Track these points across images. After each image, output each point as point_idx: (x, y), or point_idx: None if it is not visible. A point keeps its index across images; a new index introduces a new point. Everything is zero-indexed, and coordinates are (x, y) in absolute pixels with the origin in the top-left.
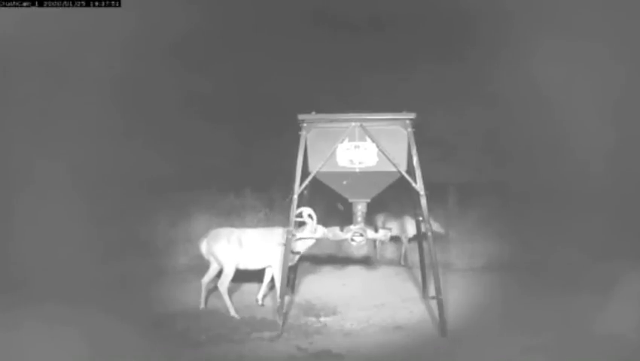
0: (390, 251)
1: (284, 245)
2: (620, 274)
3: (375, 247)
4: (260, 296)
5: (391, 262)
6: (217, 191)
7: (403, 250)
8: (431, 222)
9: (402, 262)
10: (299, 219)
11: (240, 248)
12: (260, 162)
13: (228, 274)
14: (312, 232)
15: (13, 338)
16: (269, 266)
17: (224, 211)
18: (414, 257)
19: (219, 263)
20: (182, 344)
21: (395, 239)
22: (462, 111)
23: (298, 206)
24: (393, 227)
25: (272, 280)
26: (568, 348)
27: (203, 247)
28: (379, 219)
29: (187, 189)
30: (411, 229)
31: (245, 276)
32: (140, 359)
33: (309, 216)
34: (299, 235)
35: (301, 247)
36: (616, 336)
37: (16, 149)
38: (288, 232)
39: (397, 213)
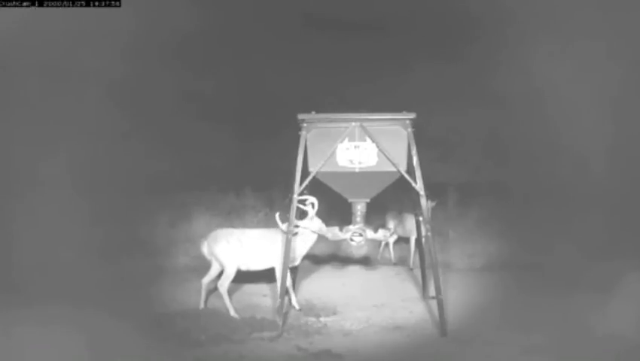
0: (392, 252)
1: (286, 242)
2: (620, 274)
3: (379, 246)
4: (293, 301)
5: (396, 263)
6: (217, 191)
7: (412, 252)
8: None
9: (411, 265)
10: (302, 207)
11: (241, 249)
12: (260, 162)
13: (229, 274)
14: (310, 220)
15: (13, 339)
16: (273, 267)
17: (224, 211)
18: (412, 257)
19: (220, 264)
20: (182, 343)
21: (397, 239)
22: (462, 111)
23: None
24: (398, 227)
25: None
26: (568, 348)
27: (204, 248)
28: (390, 218)
29: (187, 189)
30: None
31: (245, 276)
32: (140, 359)
33: (312, 204)
34: (298, 222)
35: (302, 247)
36: (616, 336)
37: (16, 149)
38: (289, 232)
39: (404, 213)
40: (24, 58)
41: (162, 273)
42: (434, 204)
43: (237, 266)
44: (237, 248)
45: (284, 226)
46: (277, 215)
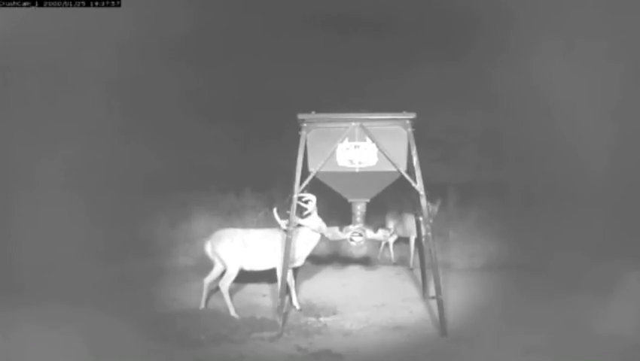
0: (392, 252)
1: (286, 242)
2: (620, 274)
3: (379, 246)
4: (294, 301)
5: (396, 263)
6: (218, 191)
7: (412, 252)
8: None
9: (411, 265)
10: (302, 204)
11: (244, 248)
12: (260, 162)
13: (231, 274)
14: (310, 217)
15: (13, 339)
16: (275, 267)
17: (224, 211)
18: (412, 257)
19: (223, 264)
20: (182, 343)
21: (397, 239)
22: (462, 111)
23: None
24: (398, 227)
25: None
26: (568, 348)
27: (208, 248)
28: (390, 218)
29: (187, 189)
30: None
31: (246, 276)
32: (140, 358)
33: (309, 201)
34: (298, 220)
35: (304, 248)
36: (616, 336)
37: (16, 149)
38: (289, 231)
39: (404, 213)
40: (24, 58)
41: (162, 273)
42: (436, 206)
43: (240, 266)
44: (240, 248)
45: (283, 223)
46: (275, 210)
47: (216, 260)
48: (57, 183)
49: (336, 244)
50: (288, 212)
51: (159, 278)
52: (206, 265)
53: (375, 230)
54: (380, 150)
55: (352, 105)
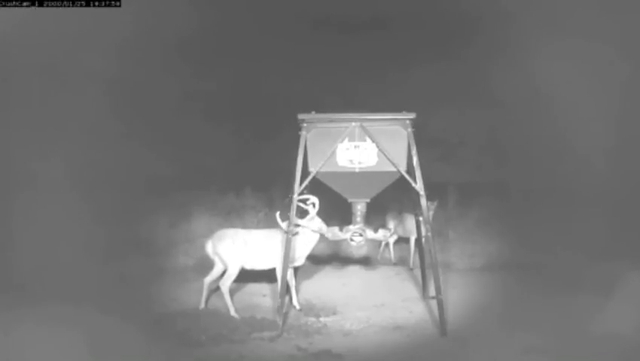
0: (392, 252)
1: (286, 242)
2: (620, 274)
3: (379, 246)
4: (294, 301)
5: (396, 263)
6: (217, 191)
7: (412, 252)
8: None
9: (411, 265)
10: (303, 206)
11: (245, 248)
12: (260, 162)
13: (232, 274)
14: (309, 220)
15: (13, 338)
16: (275, 267)
17: (223, 211)
18: (412, 257)
19: (224, 263)
20: (182, 343)
21: (397, 239)
22: (462, 111)
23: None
24: (398, 227)
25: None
26: (568, 348)
27: (209, 247)
28: (390, 218)
29: (187, 189)
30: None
31: (247, 276)
32: (140, 358)
33: (313, 204)
34: (298, 221)
35: (303, 247)
36: (616, 336)
37: (16, 149)
38: (289, 231)
39: (404, 213)
40: (24, 58)
41: (162, 273)
42: (435, 205)
43: (240, 266)
44: (241, 248)
45: (284, 225)
46: (277, 214)
47: (217, 260)
48: (58, 183)
49: (336, 244)
50: (289, 214)
51: (159, 278)
52: (206, 265)
53: (375, 230)
54: (380, 150)
55: (352, 105)
